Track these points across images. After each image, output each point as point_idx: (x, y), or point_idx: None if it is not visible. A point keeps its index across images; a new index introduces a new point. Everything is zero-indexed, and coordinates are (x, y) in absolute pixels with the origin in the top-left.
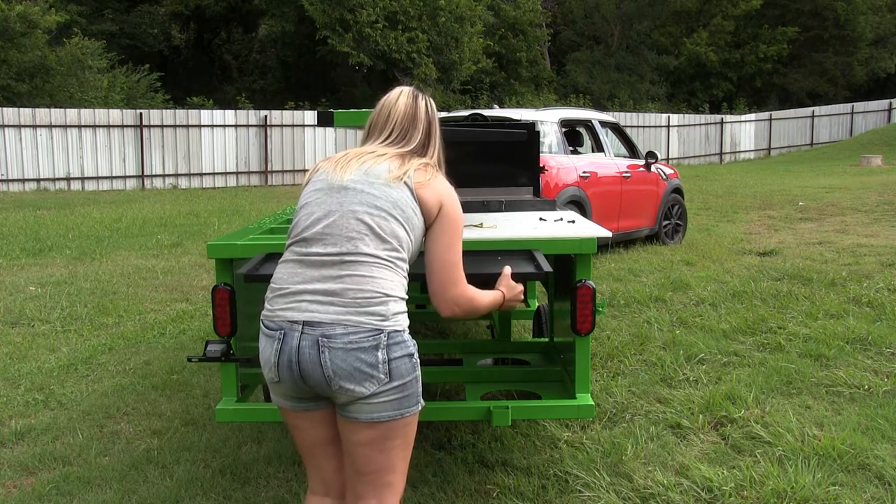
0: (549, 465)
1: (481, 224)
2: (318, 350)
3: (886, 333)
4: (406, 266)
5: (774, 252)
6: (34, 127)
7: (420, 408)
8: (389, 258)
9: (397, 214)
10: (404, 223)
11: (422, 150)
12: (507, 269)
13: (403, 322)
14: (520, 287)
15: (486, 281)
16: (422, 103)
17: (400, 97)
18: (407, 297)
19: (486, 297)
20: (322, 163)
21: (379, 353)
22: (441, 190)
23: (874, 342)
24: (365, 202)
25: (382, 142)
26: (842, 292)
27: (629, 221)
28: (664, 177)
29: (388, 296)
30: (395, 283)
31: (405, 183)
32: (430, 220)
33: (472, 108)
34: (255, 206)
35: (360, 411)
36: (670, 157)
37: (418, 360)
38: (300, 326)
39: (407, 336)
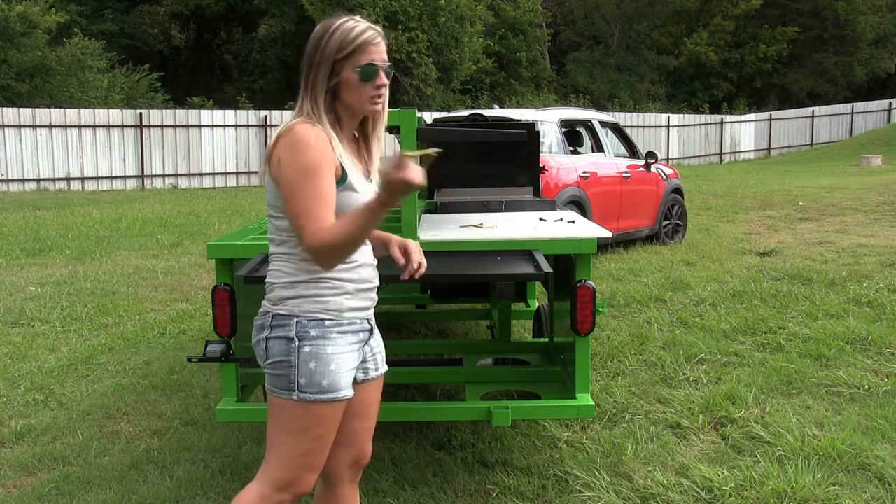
0: (549, 465)
1: (481, 224)
2: None
3: (886, 333)
4: (297, 251)
5: (774, 252)
6: (34, 127)
7: (294, 398)
8: (276, 252)
9: (271, 210)
10: (276, 214)
11: (299, 106)
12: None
13: (293, 306)
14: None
15: (484, 283)
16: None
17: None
18: (303, 279)
19: (351, 220)
20: None
21: (263, 333)
22: (280, 156)
23: (874, 342)
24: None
25: None
26: (842, 292)
27: (629, 221)
28: (664, 177)
29: (273, 284)
30: (281, 271)
31: (267, 169)
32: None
33: (472, 108)
34: (256, 206)
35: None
36: (670, 157)
37: (303, 348)
38: None
39: (294, 322)
